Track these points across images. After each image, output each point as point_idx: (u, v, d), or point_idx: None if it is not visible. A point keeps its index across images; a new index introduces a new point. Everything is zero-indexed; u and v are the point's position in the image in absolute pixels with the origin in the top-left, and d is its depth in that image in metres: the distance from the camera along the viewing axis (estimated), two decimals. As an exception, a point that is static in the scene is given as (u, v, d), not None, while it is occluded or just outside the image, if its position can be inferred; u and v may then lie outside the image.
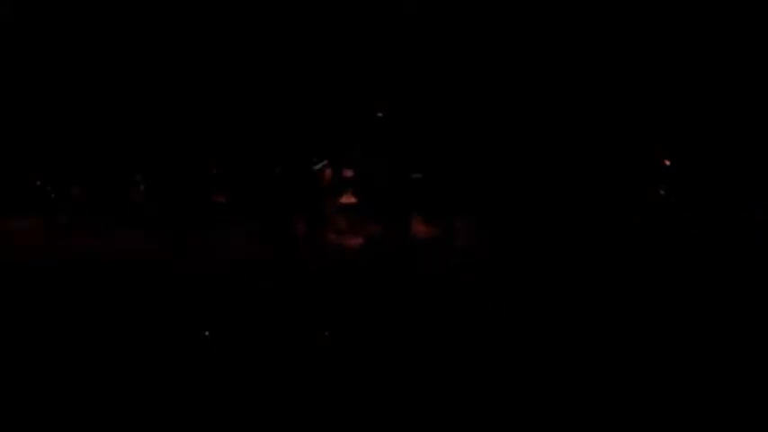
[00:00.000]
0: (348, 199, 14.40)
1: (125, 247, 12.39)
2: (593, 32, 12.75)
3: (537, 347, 8.23)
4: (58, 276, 10.83)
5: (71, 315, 9.28)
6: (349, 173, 14.32)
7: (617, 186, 12.84)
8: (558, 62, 13.04)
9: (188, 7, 13.63)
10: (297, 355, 7.96)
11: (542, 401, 6.87)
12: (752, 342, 8.30)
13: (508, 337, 8.66)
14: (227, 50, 13.81)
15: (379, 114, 14.23)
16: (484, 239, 12.58)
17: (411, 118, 14.17)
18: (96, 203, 13.83)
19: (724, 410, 6.63)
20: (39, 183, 14.05)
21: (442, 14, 13.21)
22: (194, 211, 13.82)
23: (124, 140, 14.17)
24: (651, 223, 12.47)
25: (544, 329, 8.81)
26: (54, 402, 6.76)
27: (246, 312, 9.50)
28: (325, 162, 13.57)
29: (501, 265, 11.47)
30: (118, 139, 14.09)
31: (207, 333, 8.76)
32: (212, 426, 6.56)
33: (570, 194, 12.90)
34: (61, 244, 12.38)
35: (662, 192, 12.71)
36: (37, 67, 13.51)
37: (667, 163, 12.81)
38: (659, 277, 10.67)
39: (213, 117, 14.08)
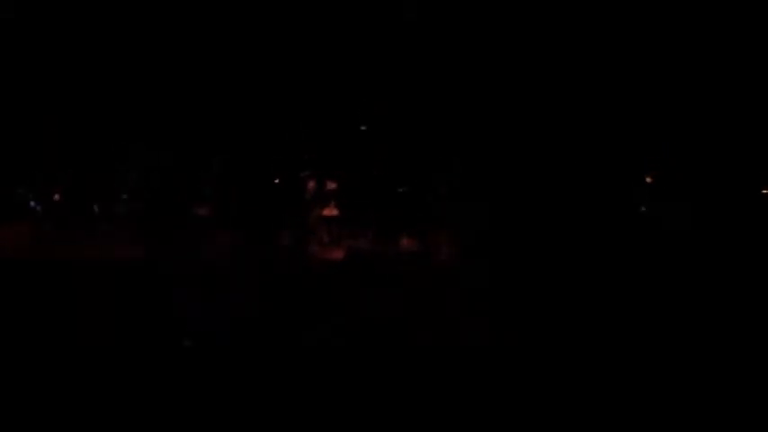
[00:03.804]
0: (331, 211, 14.45)
1: (107, 254, 12.46)
2: (591, 42, 12.81)
3: (517, 364, 8.30)
4: (43, 280, 10.94)
5: (54, 316, 9.34)
6: (332, 185, 14.38)
7: (608, 197, 12.91)
8: (555, 73, 13.11)
9: (180, 19, 13.67)
10: (281, 364, 8.01)
11: (538, 404, 6.95)
12: (751, 342, 8.38)
13: (489, 351, 8.72)
14: (213, 62, 13.86)
15: (363, 128, 14.29)
16: (466, 253, 12.66)
17: (394, 131, 14.24)
18: (79, 211, 13.87)
19: (724, 410, 6.70)
20: (22, 191, 14.06)
21: (439, 24, 13.23)
22: (178, 221, 13.85)
23: (110, 150, 14.20)
24: (648, 224, 12.53)
25: (526, 347, 8.87)
26: (44, 401, 6.82)
27: (230, 323, 9.53)
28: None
29: (483, 278, 11.54)
30: (104, 149, 14.12)
31: (188, 342, 8.79)
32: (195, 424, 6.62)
33: (559, 209, 12.97)
34: (45, 249, 12.49)
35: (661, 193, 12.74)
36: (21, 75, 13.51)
37: (656, 175, 12.87)
38: (658, 276, 10.74)
39: (199, 128, 14.11)
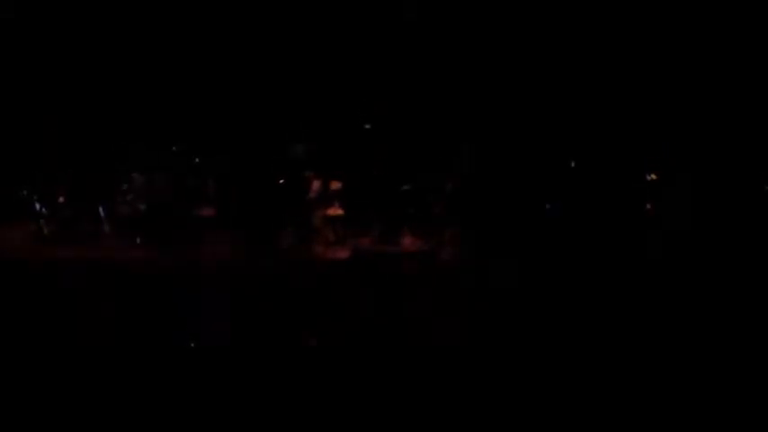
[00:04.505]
0: (336, 211, 14.44)
1: (110, 254, 12.51)
2: (592, 44, 12.78)
3: (521, 357, 8.28)
4: (44, 280, 11.00)
5: (57, 316, 9.39)
6: (337, 185, 14.38)
7: (608, 197, 12.89)
8: (555, 72, 13.08)
9: (183, 20, 13.70)
10: (284, 362, 8.01)
11: (538, 402, 6.94)
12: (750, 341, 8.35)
13: (492, 346, 8.70)
14: (215, 63, 13.90)
15: (367, 126, 14.29)
16: (469, 252, 12.65)
17: (399, 131, 14.24)
18: (81, 214, 13.92)
19: (723, 409, 6.67)
20: (25, 193, 14.10)
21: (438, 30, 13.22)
22: (181, 221, 13.88)
23: (112, 152, 14.25)
24: (648, 224, 12.50)
25: (530, 346, 8.85)
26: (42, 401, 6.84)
27: (234, 322, 9.54)
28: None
29: (487, 276, 11.53)
30: (106, 151, 14.17)
31: (192, 344, 8.79)
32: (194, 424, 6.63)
33: (562, 208, 12.96)
34: (48, 250, 12.59)
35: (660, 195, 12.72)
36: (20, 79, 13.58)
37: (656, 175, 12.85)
38: (656, 278, 10.71)
39: (201, 129, 14.15)
